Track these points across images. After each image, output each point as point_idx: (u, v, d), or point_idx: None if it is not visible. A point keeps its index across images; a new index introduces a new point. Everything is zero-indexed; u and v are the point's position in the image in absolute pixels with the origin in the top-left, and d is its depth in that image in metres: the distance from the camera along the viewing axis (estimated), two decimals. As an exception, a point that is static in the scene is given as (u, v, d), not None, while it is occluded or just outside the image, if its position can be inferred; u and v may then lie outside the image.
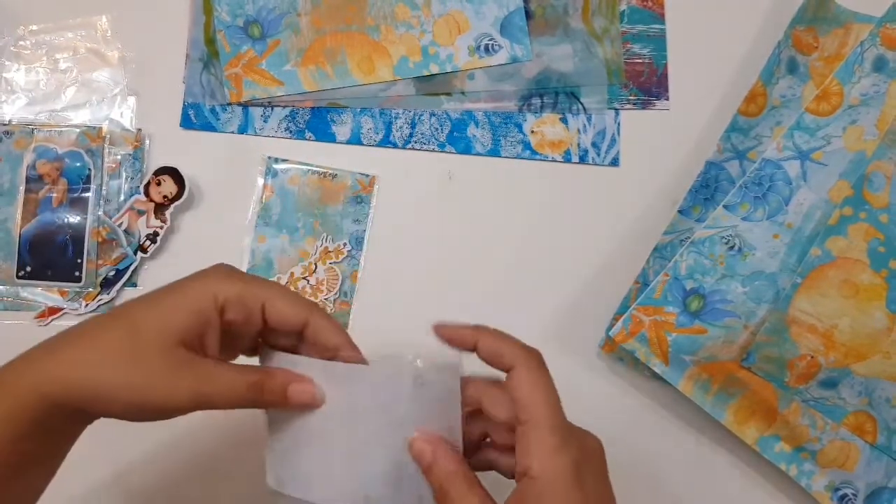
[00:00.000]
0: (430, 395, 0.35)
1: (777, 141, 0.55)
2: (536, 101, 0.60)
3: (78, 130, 0.57)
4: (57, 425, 0.34)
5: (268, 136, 0.59)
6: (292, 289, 0.56)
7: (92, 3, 0.60)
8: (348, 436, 0.36)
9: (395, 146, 0.60)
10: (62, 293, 0.56)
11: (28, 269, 0.56)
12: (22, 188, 0.56)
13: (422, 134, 0.60)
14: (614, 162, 0.60)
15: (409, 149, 0.60)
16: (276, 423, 0.38)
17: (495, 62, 0.60)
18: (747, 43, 0.62)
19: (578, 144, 0.60)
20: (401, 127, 0.60)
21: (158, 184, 0.56)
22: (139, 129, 0.58)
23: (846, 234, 0.53)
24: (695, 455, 0.56)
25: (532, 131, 0.60)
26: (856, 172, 0.54)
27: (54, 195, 0.56)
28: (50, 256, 0.56)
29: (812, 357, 0.53)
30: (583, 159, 0.60)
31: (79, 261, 0.56)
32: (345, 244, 0.58)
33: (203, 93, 0.59)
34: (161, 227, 0.56)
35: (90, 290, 0.56)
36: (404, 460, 0.35)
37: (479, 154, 0.60)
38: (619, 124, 0.61)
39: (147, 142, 0.58)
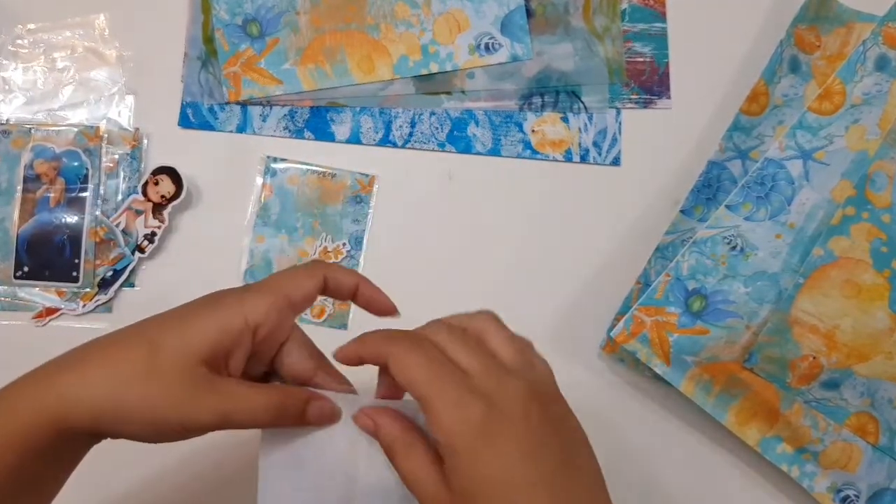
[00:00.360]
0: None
1: (779, 140, 0.54)
2: (537, 100, 0.60)
3: (76, 130, 0.57)
4: (63, 448, 0.33)
5: (267, 136, 0.59)
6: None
7: (90, 2, 0.59)
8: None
9: (394, 146, 0.59)
10: (60, 293, 0.56)
11: (25, 269, 0.55)
12: (19, 188, 0.56)
13: (422, 133, 0.59)
14: (615, 161, 0.60)
15: (409, 148, 0.59)
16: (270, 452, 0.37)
17: (496, 61, 0.59)
18: (749, 42, 0.61)
19: (579, 144, 0.60)
20: (400, 126, 0.59)
21: (156, 183, 0.56)
22: (137, 129, 0.58)
23: (848, 234, 0.53)
24: (695, 455, 0.56)
25: (533, 130, 0.60)
26: (858, 172, 0.53)
27: (52, 195, 0.56)
28: (47, 256, 0.56)
29: (814, 358, 0.52)
30: (584, 159, 0.60)
31: (76, 261, 0.56)
32: (344, 244, 0.58)
33: (201, 92, 0.59)
34: (159, 227, 0.56)
35: (88, 290, 0.56)
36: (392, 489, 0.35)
37: (479, 153, 0.60)
38: (620, 123, 0.60)
39: (145, 141, 0.58)
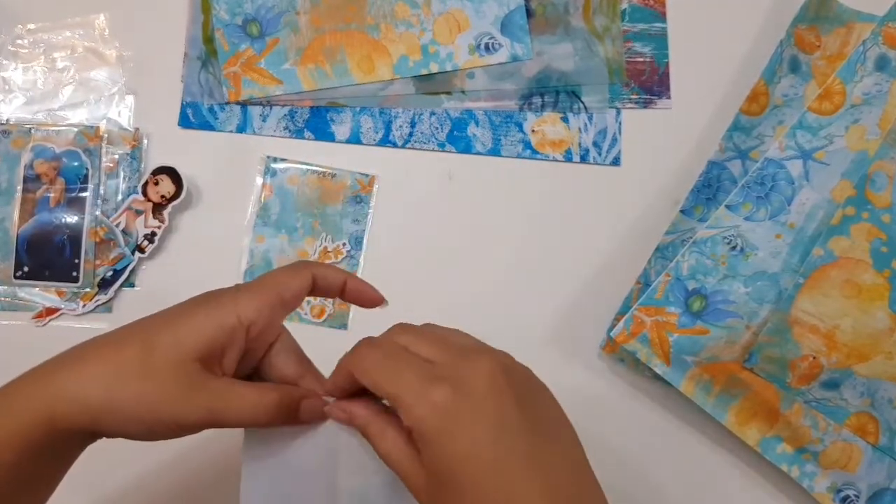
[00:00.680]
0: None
1: (779, 140, 0.54)
2: (537, 100, 0.60)
3: (76, 130, 0.57)
4: (60, 447, 0.33)
5: (267, 136, 0.59)
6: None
7: (90, 2, 0.59)
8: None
9: (394, 146, 0.59)
10: (60, 293, 0.56)
11: (25, 269, 0.55)
12: (19, 188, 0.56)
13: (422, 133, 0.59)
14: (615, 161, 0.60)
15: (409, 148, 0.59)
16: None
17: (495, 61, 0.59)
18: (749, 42, 0.61)
19: (579, 144, 0.60)
20: (400, 126, 0.59)
21: (156, 183, 0.56)
22: (137, 129, 0.58)
23: (848, 234, 0.53)
24: (695, 455, 0.56)
25: (533, 130, 0.60)
26: (858, 172, 0.53)
27: (52, 195, 0.56)
28: (47, 256, 0.56)
29: (814, 358, 0.52)
30: (584, 159, 0.60)
31: (76, 261, 0.56)
32: (344, 244, 0.58)
33: (201, 92, 0.59)
34: (159, 227, 0.56)
35: (88, 290, 0.56)
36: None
37: (479, 153, 0.60)
38: (620, 123, 0.60)
39: (145, 141, 0.58)
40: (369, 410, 0.35)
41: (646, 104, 0.61)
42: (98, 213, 0.56)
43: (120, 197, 0.57)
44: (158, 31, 0.59)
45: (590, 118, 0.60)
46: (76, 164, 0.56)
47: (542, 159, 0.60)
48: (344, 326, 0.57)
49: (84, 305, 0.55)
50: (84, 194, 0.56)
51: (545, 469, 0.31)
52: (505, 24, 0.60)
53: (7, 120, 0.57)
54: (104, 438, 0.34)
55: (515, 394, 0.32)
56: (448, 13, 0.59)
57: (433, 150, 0.59)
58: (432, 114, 0.60)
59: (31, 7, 0.59)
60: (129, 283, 0.56)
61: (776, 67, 0.59)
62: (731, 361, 0.53)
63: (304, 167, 0.59)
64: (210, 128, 0.59)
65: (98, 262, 0.56)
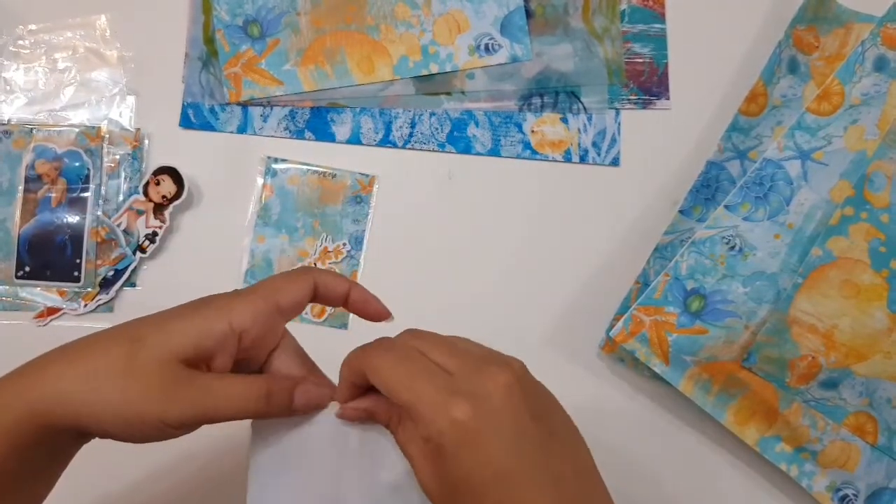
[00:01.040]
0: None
1: (778, 141, 0.55)
2: (536, 100, 0.60)
3: (77, 130, 0.57)
4: (49, 445, 0.33)
5: (267, 136, 0.59)
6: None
7: (91, 3, 0.60)
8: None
9: (394, 146, 0.59)
10: (61, 293, 0.56)
11: (27, 269, 0.56)
12: (21, 188, 0.56)
13: (422, 134, 0.60)
14: (615, 162, 0.60)
15: (409, 149, 0.59)
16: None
17: (495, 62, 0.60)
18: (748, 42, 0.62)
19: (579, 144, 0.60)
20: (400, 127, 0.59)
21: (157, 184, 0.56)
22: (138, 129, 0.58)
23: (847, 235, 0.53)
24: (695, 455, 0.56)
25: (532, 131, 0.60)
26: (857, 172, 0.53)
27: (53, 195, 0.56)
28: (49, 256, 0.56)
29: (813, 357, 0.53)
30: (583, 159, 0.60)
31: (78, 261, 0.56)
32: (344, 244, 0.58)
33: (202, 92, 0.59)
34: (160, 227, 0.56)
35: (89, 290, 0.56)
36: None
37: (479, 154, 0.60)
38: (619, 124, 0.60)
39: (146, 141, 0.58)
40: (387, 405, 0.35)
41: (645, 105, 0.61)
42: (99, 213, 0.56)
43: (121, 197, 0.57)
44: (159, 32, 0.59)
45: (589, 119, 0.60)
46: (77, 164, 0.57)
47: (541, 160, 0.60)
48: (344, 326, 0.57)
49: (85, 305, 0.56)
50: (85, 194, 0.56)
51: (557, 479, 0.31)
52: (504, 25, 0.60)
53: (8, 120, 0.58)
54: (103, 439, 0.34)
55: (530, 405, 0.32)
56: (448, 14, 0.60)
57: (433, 150, 0.60)
58: (432, 114, 0.60)
59: (32, 8, 0.59)
60: (130, 282, 0.56)
61: (775, 68, 0.59)
62: (729, 361, 0.53)
63: (305, 167, 0.59)
64: (211, 128, 0.59)
65: (99, 261, 0.56)
